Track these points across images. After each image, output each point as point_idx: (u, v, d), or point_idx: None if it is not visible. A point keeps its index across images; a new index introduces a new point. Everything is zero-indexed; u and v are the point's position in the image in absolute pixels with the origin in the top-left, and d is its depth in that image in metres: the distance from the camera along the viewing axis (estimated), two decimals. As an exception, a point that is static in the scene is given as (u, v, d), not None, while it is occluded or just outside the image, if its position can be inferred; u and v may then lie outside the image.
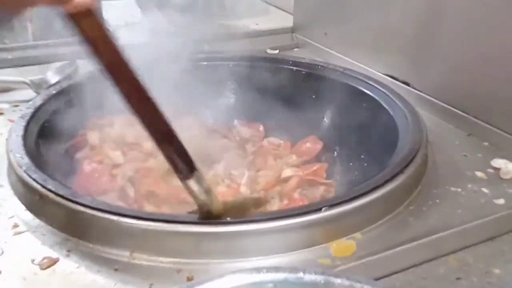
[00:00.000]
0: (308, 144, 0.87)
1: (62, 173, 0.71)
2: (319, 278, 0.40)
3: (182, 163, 0.53)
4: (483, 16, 0.76)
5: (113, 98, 0.85)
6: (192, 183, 0.54)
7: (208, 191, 0.55)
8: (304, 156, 0.85)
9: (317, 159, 0.85)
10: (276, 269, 0.41)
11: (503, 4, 0.73)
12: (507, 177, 0.68)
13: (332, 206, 0.58)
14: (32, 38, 1.10)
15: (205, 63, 0.99)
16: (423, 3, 0.87)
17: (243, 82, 0.97)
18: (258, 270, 0.41)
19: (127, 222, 0.54)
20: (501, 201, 0.63)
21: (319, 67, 0.95)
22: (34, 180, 0.60)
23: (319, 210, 0.57)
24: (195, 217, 0.57)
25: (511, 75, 0.73)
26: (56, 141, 0.75)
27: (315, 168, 0.80)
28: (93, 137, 0.79)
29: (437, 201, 0.64)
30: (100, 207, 0.56)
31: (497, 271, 0.54)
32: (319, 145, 0.86)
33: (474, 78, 0.79)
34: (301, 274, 0.41)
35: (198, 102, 0.91)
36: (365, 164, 0.80)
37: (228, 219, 0.57)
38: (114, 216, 0.55)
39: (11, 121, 0.80)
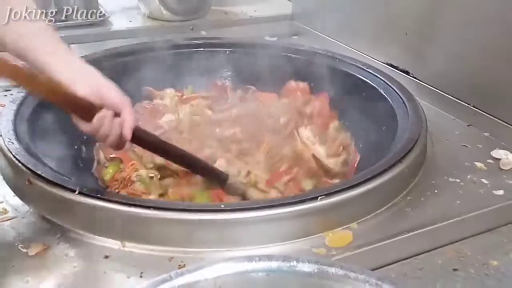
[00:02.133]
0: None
1: (53, 158, 0.69)
2: (313, 267, 0.39)
3: (214, 178, 0.70)
4: (484, 6, 0.74)
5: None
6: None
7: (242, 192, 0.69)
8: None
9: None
10: (269, 257, 0.40)
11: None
12: (507, 168, 0.67)
13: (328, 195, 0.56)
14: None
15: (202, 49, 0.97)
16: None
17: (240, 68, 0.96)
18: (250, 258, 0.40)
19: (117, 209, 0.53)
20: (500, 192, 0.62)
21: (317, 54, 0.93)
22: (23, 164, 0.59)
23: (315, 199, 0.56)
24: (187, 204, 0.56)
25: None
26: (47, 126, 0.74)
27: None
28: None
29: (436, 191, 0.63)
30: (90, 193, 0.55)
31: (495, 262, 0.53)
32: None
33: (475, 68, 0.78)
34: (294, 263, 0.40)
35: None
36: (364, 153, 0.79)
37: (222, 206, 0.56)
38: (103, 202, 0.54)
39: (2, 105, 0.78)
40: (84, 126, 0.57)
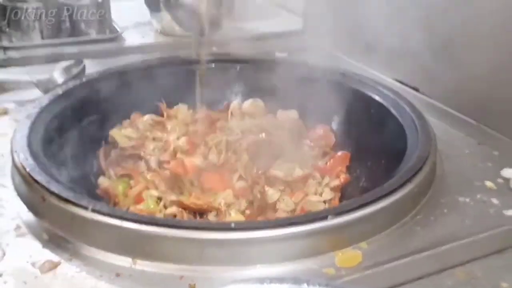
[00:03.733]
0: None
1: (65, 173, 0.70)
2: (323, 291, 0.39)
3: None
4: (495, 25, 0.75)
5: (119, 98, 0.87)
6: None
7: None
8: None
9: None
10: (280, 280, 0.40)
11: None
12: (518, 187, 0.67)
13: (338, 214, 0.57)
14: (41, 37, 1.10)
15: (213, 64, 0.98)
16: (435, 11, 0.85)
17: (250, 84, 0.97)
18: (261, 280, 0.40)
19: (129, 227, 0.54)
20: (510, 212, 0.62)
21: (328, 71, 0.94)
22: (37, 182, 0.60)
23: (325, 218, 0.56)
24: (198, 222, 0.56)
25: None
26: (60, 142, 0.75)
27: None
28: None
29: (445, 211, 0.63)
30: (103, 210, 0.55)
31: (505, 285, 0.53)
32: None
33: (485, 86, 0.78)
34: (304, 286, 0.40)
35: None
36: (373, 172, 0.79)
37: (233, 225, 0.56)
38: (116, 220, 0.54)
39: (17, 120, 0.80)
40: None
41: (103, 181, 0.77)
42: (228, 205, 0.71)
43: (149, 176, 0.76)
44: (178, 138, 0.83)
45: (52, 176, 0.62)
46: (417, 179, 0.64)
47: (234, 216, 0.70)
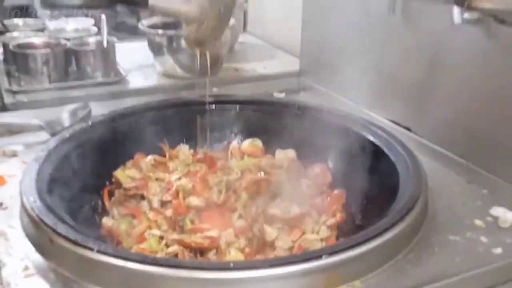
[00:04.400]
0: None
1: (71, 213, 0.73)
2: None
3: None
4: (482, 66, 0.79)
5: (123, 139, 0.90)
6: None
7: None
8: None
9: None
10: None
11: (500, 54, 0.76)
12: (506, 225, 0.70)
13: (332, 253, 0.59)
14: (48, 81, 1.14)
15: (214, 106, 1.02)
16: (424, 53, 0.90)
17: (249, 124, 1.00)
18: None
19: (133, 268, 0.56)
20: (498, 250, 0.65)
21: (324, 111, 0.97)
22: (45, 224, 0.63)
23: (319, 257, 0.59)
24: (198, 262, 0.59)
25: (510, 124, 0.76)
26: (67, 183, 0.78)
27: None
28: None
29: (436, 249, 0.65)
30: (108, 251, 0.58)
31: (493, 321, 0.55)
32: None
33: (474, 126, 0.82)
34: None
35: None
36: (368, 210, 0.81)
37: (231, 264, 0.59)
38: (121, 261, 0.57)
39: (25, 162, 0.83)
40: None
41: (107, 221, 0.79)
42: (228, 244, 0.74)
43: (151, 215, 0.79)
44: (179, 178, 0.86)
45: (59, 218, 0.65)
46: (408, 218, 0.66)
47: (233, 254, 0.72)
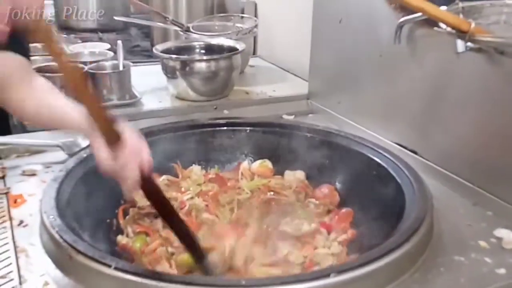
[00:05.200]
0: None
1: (88, 231, 0.76)
2: None
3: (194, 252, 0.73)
4: (485, 92, 0.81)
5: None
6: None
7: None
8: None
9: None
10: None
11: (503, 80, 0.78)
12: (509, 247, 0.71)
13: (340, 272, 0.62)
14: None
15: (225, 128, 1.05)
16: (429, 78, 0.92)
17: (259, 146, 1.03)
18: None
19: (148, 283, 0.59)
20: (502, 270, 0.66)
21: (332, 134, 1.00)
22: (65, 241, 0.66)
23: (327, 276, 0.61)
24: (211, 280, 0.61)
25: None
26: (85, 202, 0.81)
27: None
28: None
29: (442, 269, 0.67)
30: (125, 268, 0.61)
31: None
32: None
33: (477, 149, 0.84)
34: None
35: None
36: (374, 229, 0.83)
37: (243, 282, 0.61)
38: (137, 278, 0.59)
39: (44, 182, 0.86)
40: (106, 163, 0.63)
41: (121, 239, 0.82)
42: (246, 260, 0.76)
43: (164, 233, 0.81)
44: (192, 198, 0.89)
45: (78, 235, 0.68)
46: (414, 239, 0.68)
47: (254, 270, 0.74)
